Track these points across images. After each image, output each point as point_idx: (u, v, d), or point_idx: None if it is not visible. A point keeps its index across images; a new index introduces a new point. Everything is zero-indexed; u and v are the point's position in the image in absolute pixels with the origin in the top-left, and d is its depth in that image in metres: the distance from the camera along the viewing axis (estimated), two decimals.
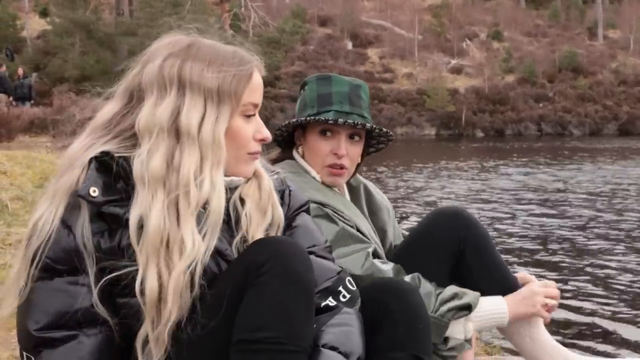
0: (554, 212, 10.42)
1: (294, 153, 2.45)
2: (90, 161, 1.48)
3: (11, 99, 22.39)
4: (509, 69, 52.20)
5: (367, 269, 2.12)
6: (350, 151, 2.35)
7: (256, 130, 1.66)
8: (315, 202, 2.20)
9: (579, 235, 8.47)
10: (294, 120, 2.36)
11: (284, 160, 2.41)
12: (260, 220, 1.64)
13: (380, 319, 1.64)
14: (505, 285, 2.30)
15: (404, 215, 10.27)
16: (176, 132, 1.51)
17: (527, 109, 46.22)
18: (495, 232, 8.31)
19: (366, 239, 2.29)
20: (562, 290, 5.43)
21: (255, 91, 1.65)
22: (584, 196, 12.39)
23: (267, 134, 1.67)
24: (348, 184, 2.54)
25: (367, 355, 1.60)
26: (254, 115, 1.66)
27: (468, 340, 2.21)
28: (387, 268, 2.15)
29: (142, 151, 1.49)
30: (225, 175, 1.59)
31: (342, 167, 2.35)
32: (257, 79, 1.67)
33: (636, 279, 6.18)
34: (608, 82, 50.23)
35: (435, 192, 13.27)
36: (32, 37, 47.81)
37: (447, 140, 37.77)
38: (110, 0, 48.31)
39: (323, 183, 2.37)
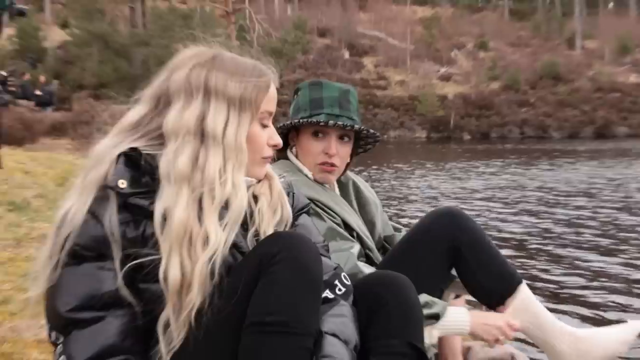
0: (531, 208, 10.44)
1: (288, 153, 2.49)
2: (118, 156, 1.52)
3: (32, 104, 22.37)
4: (494, 77, 52.16)
5: (349, 269, 2.13)
6: (340, 151, 2.41)
7: (269, 136, 1.71)
8: (307, 198, 2.21)
9: (556, 227, 8.50)
10: (288, 122, 2.40)
11: (279, 159, 2.44)
12: (271, 217, 1.70)
13: (376, 309, 1.65)
14: (505, 282, 2.31)
15: (397, 211, 10.29)
16: (201, 135, 1.55)
17: (511, 113, 46.19)
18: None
19: (352, 239, 2.33)
20: (536, 278, 5.43)
21: (271, 100, 1.70)
22: (562, 193, 12.40)
23: (278, 140, 1.73)
24: (338, 181, 2.57)
25: (364, 342, 1.63)
26: (269, 123, 1.72)
27: (434, 345, 2.26)
28: (367, 271, 2.16)
29: (168, 150, 1.54)
30: None
31: (332, 165, 2.41)
32: (273, 90, 1.72)
33: (604, 266, 6.24)
34: (585, 89, 50.16)
35: (425, 189, 13.28)
36: (54, 47, 47.74)
37: (437, 143, 37.75)
38: (125, 13, 48.17)
39: (315, 180, 2.41)
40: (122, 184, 1.49)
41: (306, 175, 2.41)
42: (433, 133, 44.45)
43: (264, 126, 1.71)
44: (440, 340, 2.54)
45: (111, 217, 1.47)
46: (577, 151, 27.72)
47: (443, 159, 22.61)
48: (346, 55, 57.11)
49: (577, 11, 65.39)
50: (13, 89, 21.38)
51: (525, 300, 2.27)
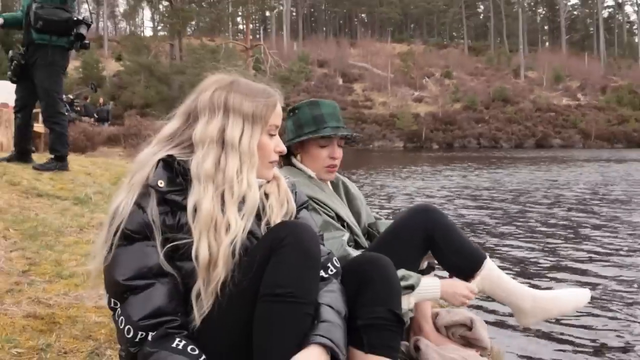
0: (482, 204, 10.44)
1: (293, 160, 2.49)
2: (158, 162, 1.56)
3: (92, 120, 22.44)
4: (456, 99, 52.18)
5: (340, 253, 2.15)
6: (338, 154, 2.45)
7: (276, 144, 1.73)
8: (307, 196, 2.23)
9: (499, 220, 8.50)
10: (304, 137, 2.40)
11: (284, 166, 2.46)
12: (279, 210, 1.71)
13: (364, 283, 1.67)
14: (473, 259, 2.29)
15: (380, 204, 10.28)
16: (222, 143, 1.60)
17: (470, 128, 46.23)
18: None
19: (342, 228, 2.33)
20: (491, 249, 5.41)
21: (277, 116, 1.73)
22: (508, 192, 12.41)
23: (283, 148, 1.75)
24: (331, 181, 2.59)
25: (354, 310, 1.64)
26: (275, 133, 1.74)
27: (410, 310, 2.23)
28: (354, 254, 2.15)
29: (197, 156, 1.58)
30: None
31: (335, 166, 2.45)
32: (279, 108, 1.75)
33: (527, 254, 6.22)
34: (528, 109, 50.26)
35: (402, 188, 13.28)
36: (110, 75, 47.85)
37: (412, 151, 37.76)
38: (166, 49, 48.26)
39: (320, 179, 2.44)
40: (161, 183, 1.53)
41: (309, 176, 2.42)
42: (408, 143, 44.47)
43: (271, 136, 1.72)
44: (415, 306, 2.54)
45: (152, 208, 1.51)
46: (521, 158, 27.76)
47: (417, 164, 22.62)
48: (340, 81, 57.14)
49: (521, 48, 65.49)
50: (78, 108, 21.57)
51: (490, 271, 2.26)
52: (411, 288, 2.15)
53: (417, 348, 2.33)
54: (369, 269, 1.70)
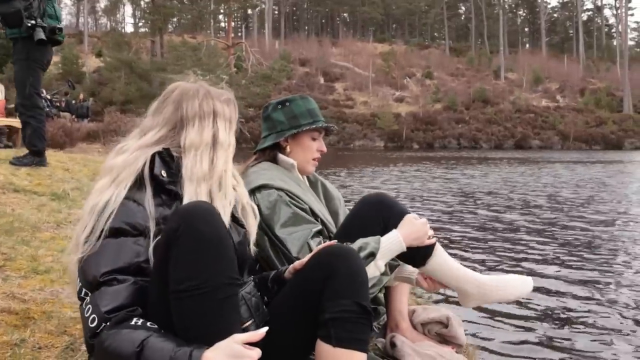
0: (462, 199, 10.50)
1: (279, 154, 2.51)
2: (153, 155, 1.66)
3: (73, 116, 22.25)
4: (437, 100, 52.49)
5: (302, 245, 2.19)
6: (325, 147, 2.55)
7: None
8: (280, 189, 2.29)
9: (478, 214, 8.56)
10: (305, 127, 2.46)
11: (259, 162, 2.51)
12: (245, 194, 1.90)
13: (329, 275, 1.65)
14: (423, 246, 2.26)
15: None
16: (213, 145, 1.74)
17: (450, 128, 46.50)
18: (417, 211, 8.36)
19: (314, 221, 2.32)
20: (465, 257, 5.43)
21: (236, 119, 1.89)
22: (486, 189, 12.50)
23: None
24: (309, 180, 2.61)
25: (321, 303, 1.64)
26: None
27: (385, 273, 2.21)
28: (315, 246, 2.14)
29: (190, 159, 1.70)
30: None
31: (319, 158, 2.54)
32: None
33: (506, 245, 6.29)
34: (507, 110, 50.69)
35: (381, 186, 13.32)
36: (90, 71, 47.45)
37: (392, 150, 37.87)
38: (147, 45, 47.96)
39: (302, 172, 2.51)
40: (163, 173, 1.64)
41: (288, 169, 2.47)
42: (389, 143, 44.62)
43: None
44: (389, 304, 2.55)
45: (149, 201, 1.59)
46: (501, 158, 27.96)
47: (397, 163, 22.70)
48: (321, 80, 57.20)
49: (502, 49, 65.96)
50: (58, 104, 21.37)
51: (439, 257, 2.27)
52: (372, 255, 2.13)
53: (392, 344, 2.35)
54: (334, 261, 1.68)
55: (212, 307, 1.44)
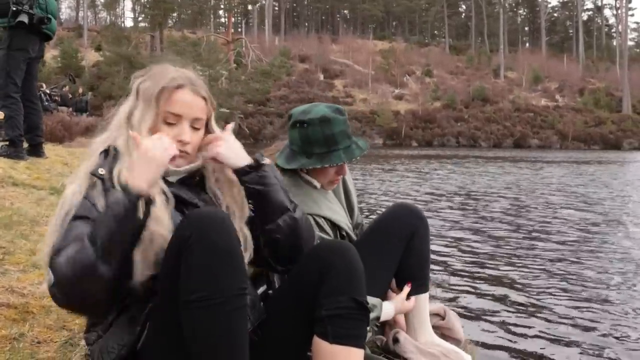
0: (461, 199, 10.52)
1: (300, 173, 2.39)
2: (100, 152, 1.65)
3: (71, 110, 22.21)
4: (436, 98, 52.44)
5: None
6: (345, 170, 2.44)
7: (176, 134, 1.69)
8: (312, 214, 2.24)
9: (477, 213, 8.57)
10: (317, 164, 2.27)
11: (289, 170, 2.36)
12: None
13: (325, 271, 1.63)
14: (423, 282, 2.39)
15: (359, 200, 10.29)
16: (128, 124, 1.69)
17: (449, 126, 46.48)
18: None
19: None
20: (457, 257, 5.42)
21: (175, 104, 1.70)
22: (484, 189, 12.51)
23: (185, 138, 1.69)
24: None
25: (317, 299, 1.62)
26: (174, 122, 1.70)
27: (370, 328, 2.30)
28: None
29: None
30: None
31: (339, 180, 2.44)
32: (182, 96, 1.72)
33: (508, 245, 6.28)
34: (507, 109, 50.64)
35: (380, 184, 13.33)
36: (89, 65, 47.36)
37: (391, 148, 37.91)
38: (146, 40, 47.90)
39: (322, 187, 2.39)
40: (102, 171, 1.55)
41: (315, 187, 2.36)
42: (388, 141, 44.61)
43: (169, 124, 1.69)
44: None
45: (99, 200, 1.51)
46: (500, 157, 27.99)
47: (396, 161, 22.71)
48: (321, 77, 57.08)
49: (502, 48, 65.92)
50: (56, 98, 21.33)
51: (423, 302, 2.38)
52: (377, 320, 2.23)
53: (395, 340, 2.35)
54: (331, 257, 1.66)
55: (221, 319, 1.42)
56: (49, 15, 5.76)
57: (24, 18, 5.46)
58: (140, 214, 1.46)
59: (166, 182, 1.66)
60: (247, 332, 1.50)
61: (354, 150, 2.29)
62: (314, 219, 2.24)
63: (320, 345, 1.62)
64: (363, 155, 2.33)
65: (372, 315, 2.15)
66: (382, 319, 2.29)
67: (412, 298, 2.35)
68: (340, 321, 1.61)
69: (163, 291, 1.49)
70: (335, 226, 2.35)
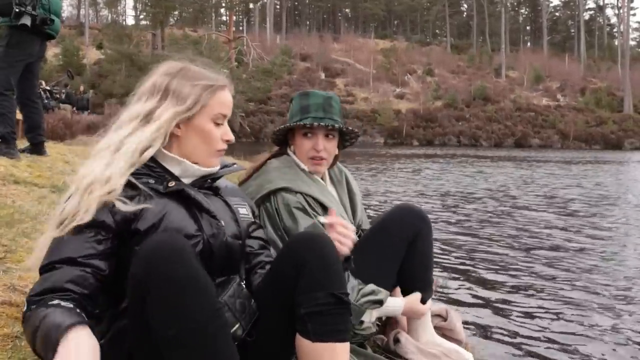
0: (462, 198, 10.51)
1: (288, 150, 2.46)
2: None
3: (74, 108, 22.23)
4: (437, 97, 52.42)
5: None
6: (326, 146, 2.38)
7: (223, 133, 1.76)
8: (301, 192, 2.25)
9: (475, 211, 8.57)
10: (282, 126, 2.40)
11: (282, 155, 2.45)
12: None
13: (301, 267, 1.58)
14: (427, 285, 2.41)
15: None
16: (146, 121, 1.68)
17: (450, 126, 46.48)
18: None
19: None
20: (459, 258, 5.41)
21: (221, 104, 1.75)
22: (484, 188, 12.50)
23: (231, 137, 1.78)
24: (334, 174, 2.58)
25: (295, 297, 1.58)
26: (222, 122, 1.76)
27: (373, 323, 2.29)
28: None
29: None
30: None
31: (321, 158, 2.38)
32: (224, 96, 1.76)
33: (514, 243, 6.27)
34: (508, 108, 50.64)
35: (381, 183, 13.32)
36: (91, 63, 47.38)
37: (392, 147, 37.89)
38: (147, 38, 47.87)
39: (310, 172, 2.39)
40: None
41: (303, 170, 2.38)
42: (389, 139, 44.60)
43: (217, 124, 1.72)
44: None
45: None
46: (500, 157, 27.96)
47: (396, 160, 22.70)
48: (322, 76, 57.08)
49: (503, 48, 65.87)
50: (58, 96, 21.33)
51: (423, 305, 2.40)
52: (379, 303, 2.19)
53: (396, 340, 2.35)
54: (304, 252, 1.61)
55: (205, 343, 1.36)
56: (52, 17, 5.73)
57: (27, 20, 5.44)
58: None
59: (180, 183, 1.67)
60: (232, 348, 1.45)
61: (325, 121, 2.34)
62: (304, 197, 2.26)
63: (303, 344, 1.59)
64: (351, 134, 2.47)
65: (375, 297, 2.17)
66: (388, 312, 2.30)
67: (428, 302, 2.38)
68: (320, 318, 1.56)
69: (132, 325, 1.43)
70: (325, 209, 2.33)
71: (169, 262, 1.35)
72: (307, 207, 2.25)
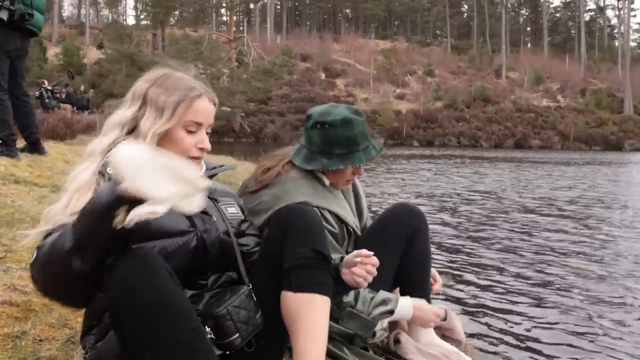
0: (462, 199, 10.51)
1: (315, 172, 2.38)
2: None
3: (74, 108, 22.24)
4: (437, 97, 52.41)
5: None
6: (362, 171, 2.41)
7: (198, 141, 1.76)
8: (319, 207, 2.24)
9: (476, 213, 8.57)
10: (339, 165, 2.28)
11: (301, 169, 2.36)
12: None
13: (287, 230, 1.71)
14: (425, 285, 2.42)
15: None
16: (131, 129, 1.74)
17: (450, 126, 46.46)
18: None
19: (340, 250, 2.28)
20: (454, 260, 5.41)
21: (197, 113, 1.75)
22: (484, 189, 12.50)
23: (206, 145, 1.77)
24: None
25: (281, 256, 1.69)
26: (195, 130, 1.76)
27: (384, 329, 2.31)
28: None
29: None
30: None
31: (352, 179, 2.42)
32: (201, 105, 1.76)
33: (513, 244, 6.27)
34: (508, 109, 50.63)
35: (381, 184, 13.31)
36: (91, 63, 47.39)
37: (392, 148, 37.82)
38: (148, 38, 47.89)
39: (331, 184, 2.39)
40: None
41: (323, 184, 2.36)
42: (389, 140, 44.56)
43: (190, 132, 1.72)
44: None
45: None
46: (500, 158, 27.96)
47: (397, 161, 22.69)
48: (322, 76, 57.08)
49: (503, 49, 65.89)
50: (58, 96, 21.34)
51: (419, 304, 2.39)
52: (391, 313, 2.23)
53: (396, 341, 2.36)
54: (290, 217, 1.74)
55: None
56: (31, 11, 5.63)
57: (4, 15, 5.37)
58: (118, 224, 1.31)
59: None
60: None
61: (371, 151, 2.33)
62: (320, 212, 2.24)
63: (286, 296, 1.67)
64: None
65: (386, 308, 2.18)
66: (399, 315, 2.29)
67: (436, 309, 2.40)
68: (302, 270, 1.66)
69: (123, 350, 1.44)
70: (342, 222, 2.36)
71: (140, 289, 1.35)
72: (322, 222, 2.24)
